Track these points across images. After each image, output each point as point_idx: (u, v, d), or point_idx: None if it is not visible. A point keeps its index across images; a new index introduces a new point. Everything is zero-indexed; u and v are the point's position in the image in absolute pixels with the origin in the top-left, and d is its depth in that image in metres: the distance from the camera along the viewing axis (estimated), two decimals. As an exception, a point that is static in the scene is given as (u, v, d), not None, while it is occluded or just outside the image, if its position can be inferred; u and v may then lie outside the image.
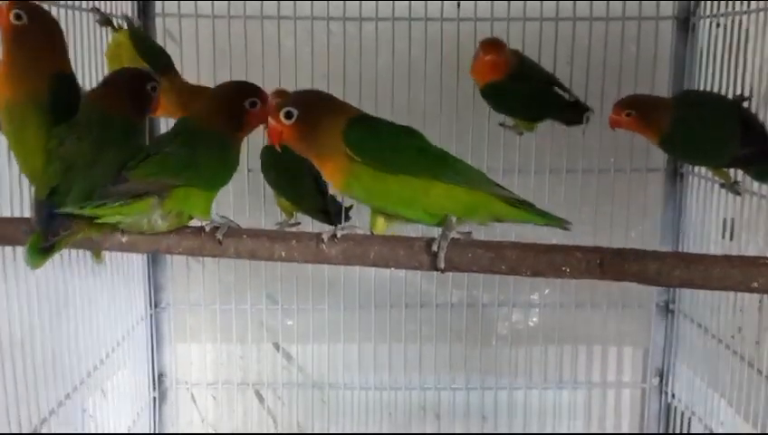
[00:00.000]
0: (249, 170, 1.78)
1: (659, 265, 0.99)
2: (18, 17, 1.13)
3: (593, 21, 1.78)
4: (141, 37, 1.56)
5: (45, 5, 1.27)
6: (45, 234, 1.04)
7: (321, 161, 1.11)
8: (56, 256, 1.41)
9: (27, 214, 1.27)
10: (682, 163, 1.86)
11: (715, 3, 1.71)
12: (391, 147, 1.10)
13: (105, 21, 1.56)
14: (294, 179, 1.61)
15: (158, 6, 1.80)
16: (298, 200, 1.64)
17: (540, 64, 1.71)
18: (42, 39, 1.16)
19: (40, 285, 1.37)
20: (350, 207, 1.66)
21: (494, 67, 1.61)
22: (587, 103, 1.69)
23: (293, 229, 1.69)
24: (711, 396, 1.76)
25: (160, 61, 1.51)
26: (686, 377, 1.89)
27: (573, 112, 1.68)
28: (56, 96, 1.16)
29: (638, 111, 1.49)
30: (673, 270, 0.98)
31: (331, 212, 1.61)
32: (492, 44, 1.61)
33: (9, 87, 1.14)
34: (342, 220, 1.63)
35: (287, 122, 1.09)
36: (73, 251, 1.47)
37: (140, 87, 1.19)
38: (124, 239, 1.14)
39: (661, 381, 1.98)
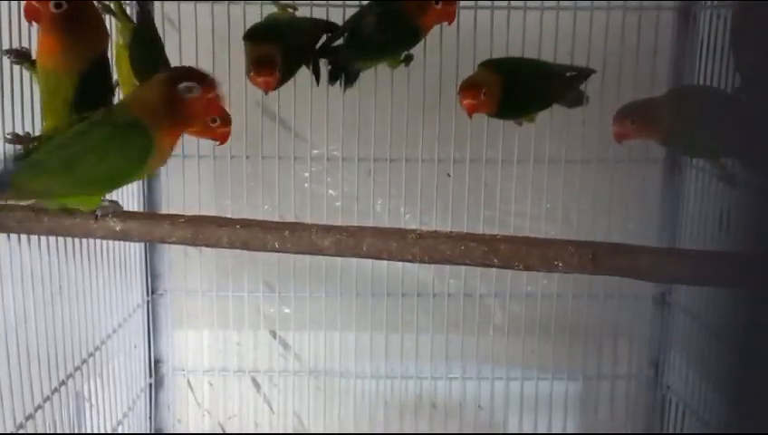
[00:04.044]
0: (231, 157, 1.80)
1: (652, 260, 0.98)
2: (58, 6, 1.20)
3: (594, 10, 1.77)
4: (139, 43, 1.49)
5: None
6: None
7: None
8: (52, 242, 1.43)
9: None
10: (682, 156, 1.85)
11: (717, -7, 1.70)
12: None
13: (104, 9, 1.53)
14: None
15: (156, -9, 1.79)
16: None
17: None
18: (80, 23, 1.24)
19: (35, 270, 1.37)
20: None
21: None
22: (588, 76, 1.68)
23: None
24: (705, 388, 1.76)
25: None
26: (680, 369, 1.89)
27: (576, 91, 1.68)
28: (84, 87, 1.24)
29: (640, 116, 1.47)
30: (665, 266, 0.98)
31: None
32: None
33: (49, 59, 1.23)
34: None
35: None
36: (68, 238, 1.47)
37: (170, 91, 1.10)
38: (118, 228, 1.14)
39: (656, 372, 1.98)
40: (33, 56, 1.31)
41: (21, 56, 1.30)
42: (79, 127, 1.10)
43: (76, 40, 1.24)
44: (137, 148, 1.09)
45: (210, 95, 1.09)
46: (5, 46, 1.31)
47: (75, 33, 1.24)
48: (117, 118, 1.11)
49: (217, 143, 1.50)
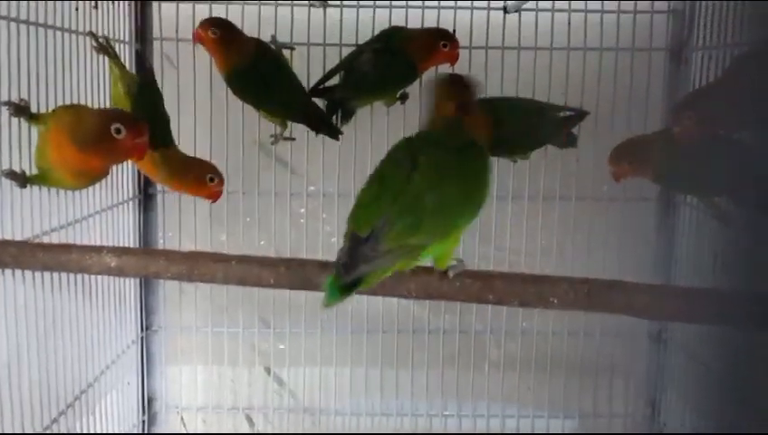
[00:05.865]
0: (228, 192, 1.80)
1: (647, 297, 0.99)
2: None
3: (587, 51, 1.80)
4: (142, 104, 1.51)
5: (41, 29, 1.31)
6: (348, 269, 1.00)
7: None
8: (46, 277, 1.43)
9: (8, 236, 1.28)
10: (675, 193, 1.86)
11: (708, 35, 1.72)
12: None
13: (102, 49, 1.51)
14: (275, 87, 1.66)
15: (155, 30, 1.81)
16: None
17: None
18: None
19: (29, 306, 1.37)
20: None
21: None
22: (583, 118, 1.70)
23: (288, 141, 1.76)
24: (702, 427, 1.74)
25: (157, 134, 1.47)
26: (677, 407, 1.88)
27: (569, 133, 1.70)
28: None
29: (635, 156, 1.50)
30: (660, 303, 0.98)
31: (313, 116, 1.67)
32: None
33: (75, 179, 1.33)
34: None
35: None
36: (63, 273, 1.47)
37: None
38: (113, 264, 1.13)
39: (653, 410, 1.97)
40: (33, 110, 1.33)
41: (20, 111, 1.30)
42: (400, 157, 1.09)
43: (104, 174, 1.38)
44: (486, 169, 1.06)
45: None
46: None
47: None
48: (454, 143, 1.08)
49: (210, 201, 1.60)
